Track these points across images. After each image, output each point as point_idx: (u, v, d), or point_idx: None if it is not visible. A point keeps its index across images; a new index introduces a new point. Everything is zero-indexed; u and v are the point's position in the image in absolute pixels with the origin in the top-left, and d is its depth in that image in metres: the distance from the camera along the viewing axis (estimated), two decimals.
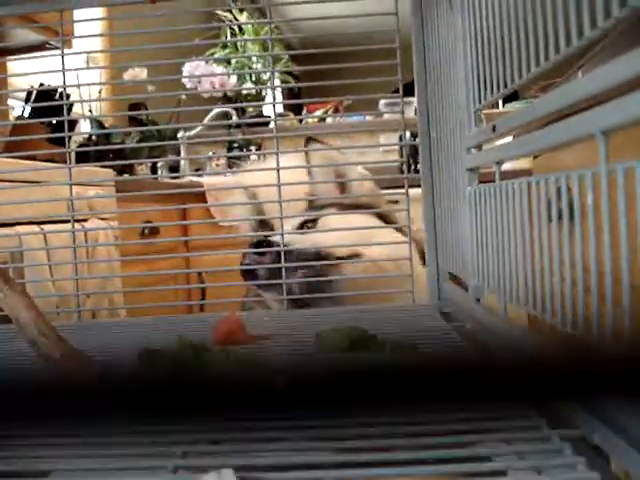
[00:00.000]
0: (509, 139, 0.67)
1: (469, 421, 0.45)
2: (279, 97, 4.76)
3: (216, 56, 4.13)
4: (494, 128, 0.66)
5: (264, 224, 1.36)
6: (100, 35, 2.56)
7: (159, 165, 3.48)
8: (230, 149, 3.99)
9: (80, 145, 2.84)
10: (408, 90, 1.07)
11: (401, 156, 3.47)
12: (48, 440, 0.49)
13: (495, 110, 3.33)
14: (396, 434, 0.43)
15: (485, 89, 0.71)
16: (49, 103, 1.37)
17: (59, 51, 1.10)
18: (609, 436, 0.39)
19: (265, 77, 4.13)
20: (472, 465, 0.39)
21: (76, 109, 3.03)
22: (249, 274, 1.09)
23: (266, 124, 3.92)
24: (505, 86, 0.63)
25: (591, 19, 0.41)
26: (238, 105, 4.06)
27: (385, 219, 1.31)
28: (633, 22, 0.38)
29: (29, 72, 1.22)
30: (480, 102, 0.74)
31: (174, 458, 0.42)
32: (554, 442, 0.40)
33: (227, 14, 4.12)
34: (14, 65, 2.47)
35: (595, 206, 0.41)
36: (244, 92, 4.06)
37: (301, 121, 4.47)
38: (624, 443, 0.38)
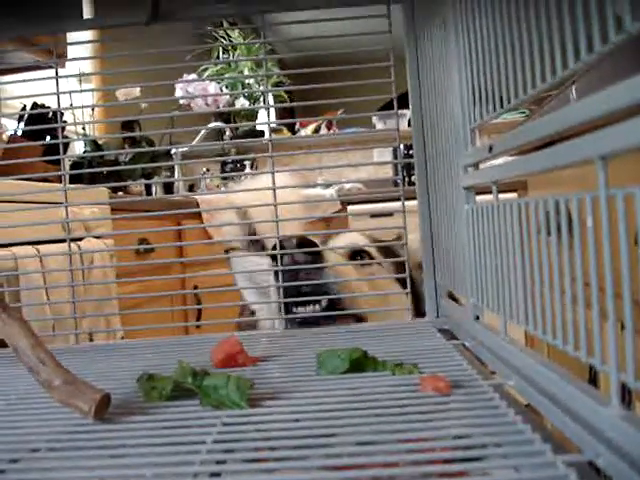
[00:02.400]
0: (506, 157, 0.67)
1: (473, 447, 0.44)
2: (272, 112, 4.77)
3: (208, 72, 4.14)
4: (490, 148, 0.66)
5: (256, 243, 1.36)
6: (94, 57, 2.56)
7: (153, 184, 3.48)
8: (224, 165, 4.00)
9: (74, 163, 2.85)
10: (402, 100, 1.07)
11: (395, 173, 3.48)
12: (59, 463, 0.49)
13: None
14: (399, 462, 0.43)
15: (480, 107, 0.71)
16: (43, 126, 1.36)
17: (52, 71, 1.10)
18: (613, 460, 0.39)
19: (258, 93, 4.15)
20: None
21: (69, 126, 3.03)
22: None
23: (261, 136, 3.93)
24: (501, 105, 0.64)
25: (588, 43, 0.41)
26: (232, 125, 4.07)
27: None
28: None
29: (23, 94, 1.21)
30: (475, 121, 0.74)
31: None
32: (559, 468, 0.40)
33: (219, 30, 4.13)
34: (7, 84, 2.48)
35: (595, 228, 0.42)
36: (237, 107, 4.08)
37: (294, 133, 4.49)
38: (628, 467, 0.38)
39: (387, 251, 1.22)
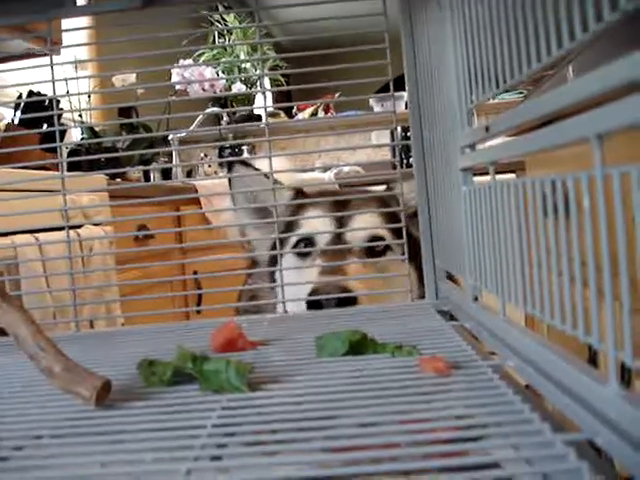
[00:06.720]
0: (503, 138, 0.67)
1: (473, 427, 0.45)
2: (269, 96, 4.76)
3: (205, 57, 4.13)
4: (487, 129, 0.66)
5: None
6: (89, 44, 2.56)
7: (151, 170, 3.48)
8: (221, 150, 3.99)
9: (71, 150, 2.84)
10: (398, 83, 1.07)
11: (393, 155, 3.48)
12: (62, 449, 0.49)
13: (487, 102, 3.34)
14: (399, 443, 0.43)
15: (477, 88, 0.71)
16: (40, 114, 1.36)
17: (48, 59, 1.10)
18: (612, 439, 0.39)
19: (255, 77, 4.14)
20: (480, 474, 0.38)
21: (66, 113, 3.03)
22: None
23: (258, 120, 3.93)
24: (497, 86, 0.63)
25: (582, 22, 0.41)
26: (229, 110, 4.06)
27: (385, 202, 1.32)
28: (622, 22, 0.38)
29: (18, 81, 1.21)
30: (472, 101, 0.74)
31: (177, 475, 0.42)
32: (558, 447, 0.40)
33: (215, 14, 4.11)
34: (2, 72, 2.47)
35: (591, 207, 0.42)
36: (234, 92, 4.07)
37: (292, 117, 4.49)
38: (626, 445, 0.38)
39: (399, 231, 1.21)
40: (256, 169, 1.29)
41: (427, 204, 1.04)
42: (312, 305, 1.06)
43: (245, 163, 1.34)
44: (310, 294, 1.07)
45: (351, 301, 1.06)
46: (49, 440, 0.52)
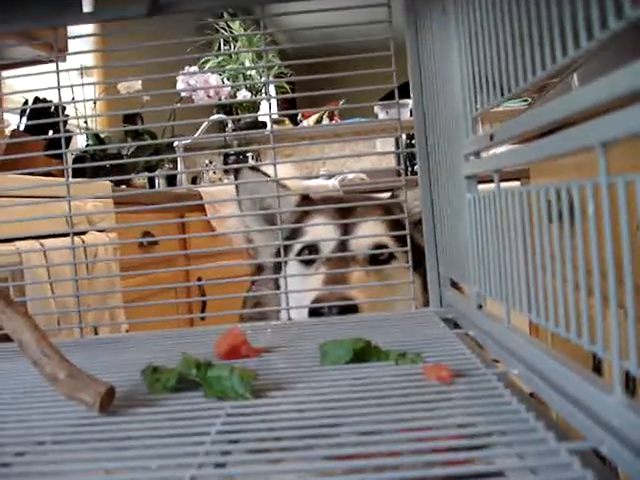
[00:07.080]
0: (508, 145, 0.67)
1: (477, 436, 0.44)
2: (274, 103, 4.76)
3: (210, 64, 4.14)
4: (492, 137, 0.66)
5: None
6: (95, 51, 2.56)
7: (156, 176, 3.48)
8: (226, 157, 3.99)
9: (77, 157, 2.85)
10: (403, 90, 1.07)
11: (398, 162, 3.47)
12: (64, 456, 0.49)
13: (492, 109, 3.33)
14: (402, 451, 0.43)
15: (481, 96, 0.71)
16: (45, 120, 1.36)
17: (53, 65, 1.10)
18: (616, 447, 0.39)
19: (260, 84, 4.15)
20: None
21: (72, 119, 3.03)
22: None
23: (263, 127, 3.94)
24: (502, 93, 0.63)
25: (587, 30, 0.41)
26: (234, 117, 4.07)
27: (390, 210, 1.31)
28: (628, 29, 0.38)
29: (24, 88, 1.21)
30: (477, 109, 0.74)
31: None
32: (562, 456, 0.40)
33: (220, 22, 4.12)
34: (8, 79, 2.48)
35: (596, 215, 0.41)
36: (239, 99, 4.08)
37: (297, 124, 4.49)
38: (630, 454, 0.38)
39: (403, 239, 1.21)
40: (266, 175, 1.29)
41: (431, 212, 1.04)
42: (313, 313, 1.06)
43: (253, 169, 1.34)
44: (313, 302, 1.07)
45: (352, 310, 1.06)
46: (51, 446, 0.52)
